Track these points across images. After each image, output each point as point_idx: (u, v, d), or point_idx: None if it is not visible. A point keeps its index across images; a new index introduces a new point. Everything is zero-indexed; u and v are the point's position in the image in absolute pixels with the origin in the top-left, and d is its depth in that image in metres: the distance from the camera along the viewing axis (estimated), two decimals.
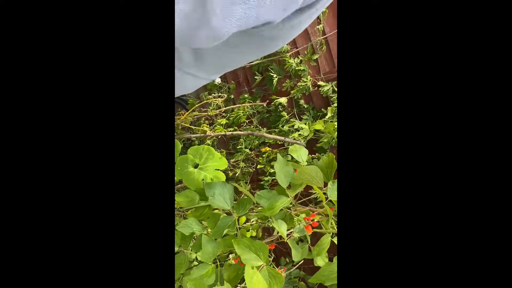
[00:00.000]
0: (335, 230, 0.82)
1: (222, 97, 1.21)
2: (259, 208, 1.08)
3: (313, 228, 0.72)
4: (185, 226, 0.75)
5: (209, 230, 0.80)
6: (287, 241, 0.73)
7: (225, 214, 0.87)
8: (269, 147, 1.50)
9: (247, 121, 1.52)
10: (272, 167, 1.55)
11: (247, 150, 1.54)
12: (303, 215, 0.76)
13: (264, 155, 1.50)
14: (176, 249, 0.75)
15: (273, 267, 0.70)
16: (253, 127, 1.50)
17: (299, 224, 0.73)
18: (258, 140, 1.53)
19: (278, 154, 0.77)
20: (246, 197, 0.83)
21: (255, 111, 1.50)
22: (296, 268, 1.57)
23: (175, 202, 1.03)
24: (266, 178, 1.55)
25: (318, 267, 1.53)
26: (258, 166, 1.56)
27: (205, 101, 1.24)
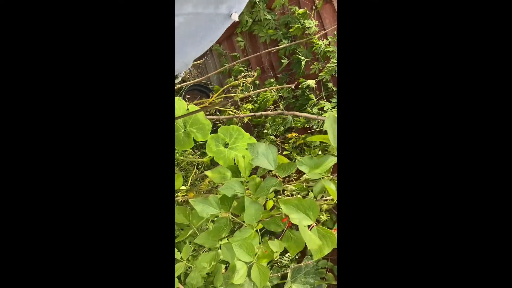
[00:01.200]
0: None
1: (250, 77, 1.19)
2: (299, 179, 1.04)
3: None
4: (228, 188, 0.72)
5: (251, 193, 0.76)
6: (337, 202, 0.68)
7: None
8: (295, 132, 1.47)
9: (273, 106, 1.49)
10: (299, 153, 1.51)
11: (272, 137, 1.51)
12: None
13: (290, 141, 1.46)
14: (216, 212, 0.72)
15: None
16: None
17: None
18: (284, 126, 1.50)
19: (329, 110, 0.73)
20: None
21: (281, 95, 1.47)
22: (323, 259, 1.51)
23: (208, 178, 1.00)
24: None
25: None
26: (284, 153, 1.52)
27: (232, 83, 1.22)
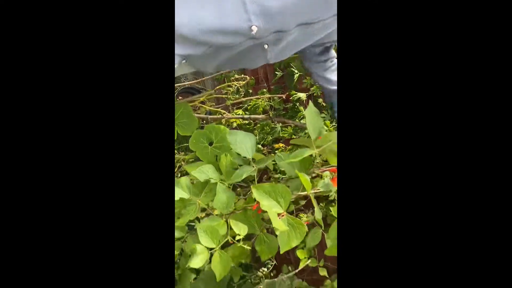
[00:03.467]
0: None
1: (243, 80, 1.21)
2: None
3: None
4: (201, 172, 0.70)
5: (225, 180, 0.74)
6: (310, 195, 0.67)
7: None
8: (282, 143, 1.47)
9: (263, 115, 1.50)
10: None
11: (259, 146, 1.51)
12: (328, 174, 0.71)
13: (277, 151, 1.46)
14: (188, 196, 0.69)
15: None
16: (270, 122, 1.47)
17: (323, 179, 0.68)
18: (272, 136, 1.50)
19: (310, 102, 0.74)
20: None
21: (272, 105, 1.49)
22: (299, 279, 1.45)
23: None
24: (276, 176, 1.49)
25: (323, 278, 1.41)
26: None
27: (224, 85, 1.23)
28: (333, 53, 0.89)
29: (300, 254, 1.42)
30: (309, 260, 1.37)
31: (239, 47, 0.64)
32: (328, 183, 0.66)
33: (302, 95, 1.44)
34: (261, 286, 1.35)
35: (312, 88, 1.43)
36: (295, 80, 1.47)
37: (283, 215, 0.63)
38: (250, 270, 1.64)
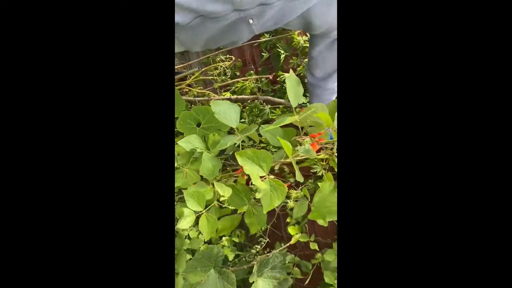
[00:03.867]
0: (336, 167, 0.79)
1: (229, 61, 1.22)
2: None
3: (319, 144, 0.70)
4: (187, 142, 0.73)
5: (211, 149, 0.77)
6: (292, 160, 0.70)
7: None
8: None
9: (251, 97, 1.52)
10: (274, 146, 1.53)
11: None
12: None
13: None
14: (176, 165, 0.72)
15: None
16: (258, 103, 1.50)
17: (303, 145, 0.71)
18: (261, 118, 1.53)
19: (290, 70, 0.76)
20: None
21: (260, 86, 1.51)
22: (291, 254, 1.50)
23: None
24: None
25: (314, 252, 1.45)
26: (261, 145, 1.54)
27: (210, 66, 1.25)
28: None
29: (291, 230, 1.47)
30: (300, 235, 1.41)
31: (225, 20, 0.66)
32: (308, 148, 0.69)
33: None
34: (255, 264, 1.39)
35: (298, 68, 1.45)
36: (282, 61, 1.49)
37: (265, 178, 0.66)
38: (245, 249, 1.69)
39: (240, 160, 0.66)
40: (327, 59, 0.84)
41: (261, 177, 0.65)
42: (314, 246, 1.38)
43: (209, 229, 0.66)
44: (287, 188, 0.66)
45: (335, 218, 0.68)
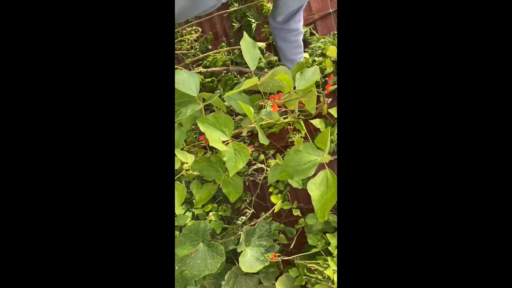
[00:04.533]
0: (303, 129, 0.80)
1: (196, 32, 1.19)
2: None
3: (279, 106, 0.70)
4: None
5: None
6: (254, 123, 0.70)
7: None
8: None
9: (222, 69, 1.50)
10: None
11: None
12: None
13: None
14: None
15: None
16: (231, 74, 1.48)
17: (266, 108, 0.71)
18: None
19: (244, 33, 0.75)
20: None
21: (233, 58, 1.48)
22: (277, 222, 1.54)
23: None
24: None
25: (297, 218, 1.49)
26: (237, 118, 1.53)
27: (177, 39, 1.21)
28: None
29: (274, 199, 1.50)
30: (283, 203, 1.45)
31: None
32: (270, 110, 0.70)
33: (262, 45, 1.44)
34: (242, 234, 1.43)
35: (271, 37, 1.43)
36: (254, 30, 1.46)
37: (228, 142, 0.66)
38: (232, 222, 1.72)
39: (202, 127, 0.66)
40: (287, 1, 0.84)
41: (224, 141, 0.66)
42: (296, 212, 1.42)
43: (178, 197, 0.67)
44: (251, 150, 0.67)
45: (302, 177, 0.69)
